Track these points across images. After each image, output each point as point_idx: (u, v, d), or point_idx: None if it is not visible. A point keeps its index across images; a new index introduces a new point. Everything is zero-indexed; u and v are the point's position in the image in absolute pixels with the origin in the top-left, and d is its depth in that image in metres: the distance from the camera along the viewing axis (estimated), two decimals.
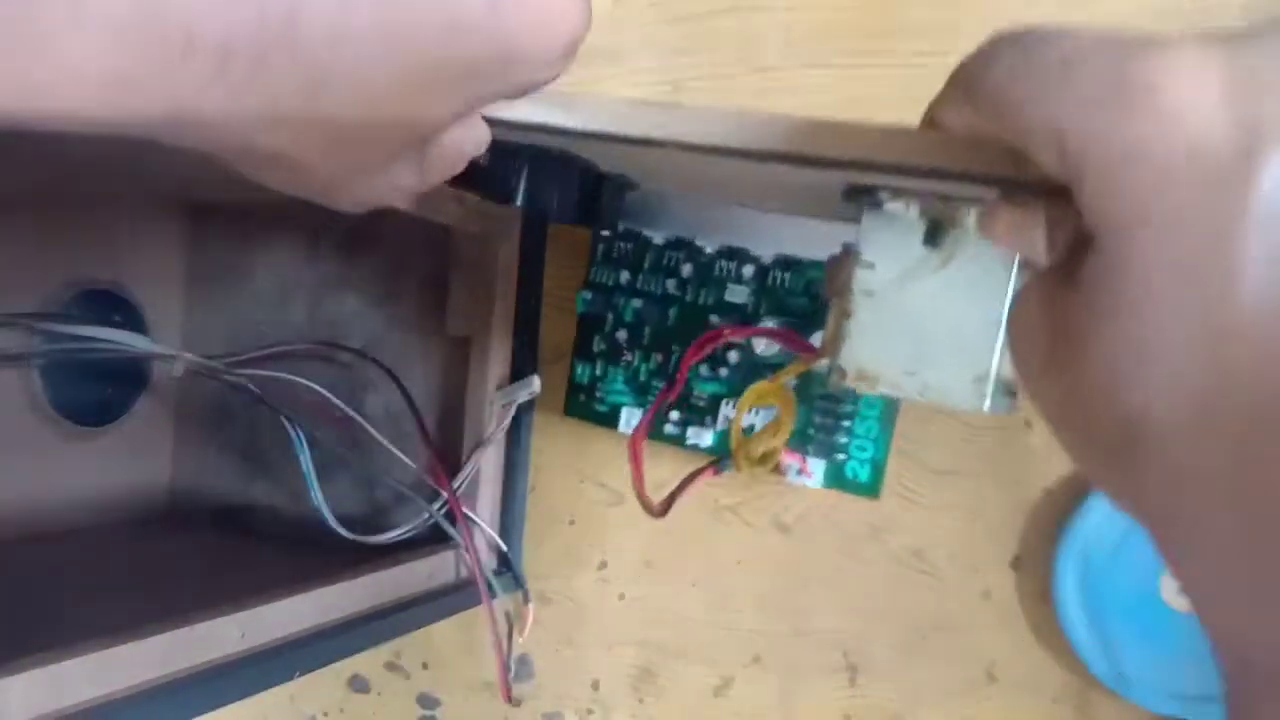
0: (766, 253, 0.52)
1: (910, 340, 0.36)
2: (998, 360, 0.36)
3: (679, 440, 0.56)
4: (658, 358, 0.56)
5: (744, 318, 0.54)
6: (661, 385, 0.55)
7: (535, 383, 0.58)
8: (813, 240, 0.50)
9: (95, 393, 0.62)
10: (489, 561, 0.59)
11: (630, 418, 0.56)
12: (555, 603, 0.62)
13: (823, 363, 0.39)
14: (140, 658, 0.39)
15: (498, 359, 0.58)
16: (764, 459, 0.39)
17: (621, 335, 0.56)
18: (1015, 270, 0.36)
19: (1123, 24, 0.50)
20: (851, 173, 0.35)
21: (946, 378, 0.36)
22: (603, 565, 0.60)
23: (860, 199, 0.37)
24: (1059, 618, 0.51)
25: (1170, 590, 0.49)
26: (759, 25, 0.56)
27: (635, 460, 0.42)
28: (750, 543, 0.57)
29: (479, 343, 0.58)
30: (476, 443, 0.58)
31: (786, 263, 0.53)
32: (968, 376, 0.36)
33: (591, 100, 0.37)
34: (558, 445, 0.61)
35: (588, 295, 0.56)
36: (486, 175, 0.44)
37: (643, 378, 0.56)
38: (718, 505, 0.58)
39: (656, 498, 0.44)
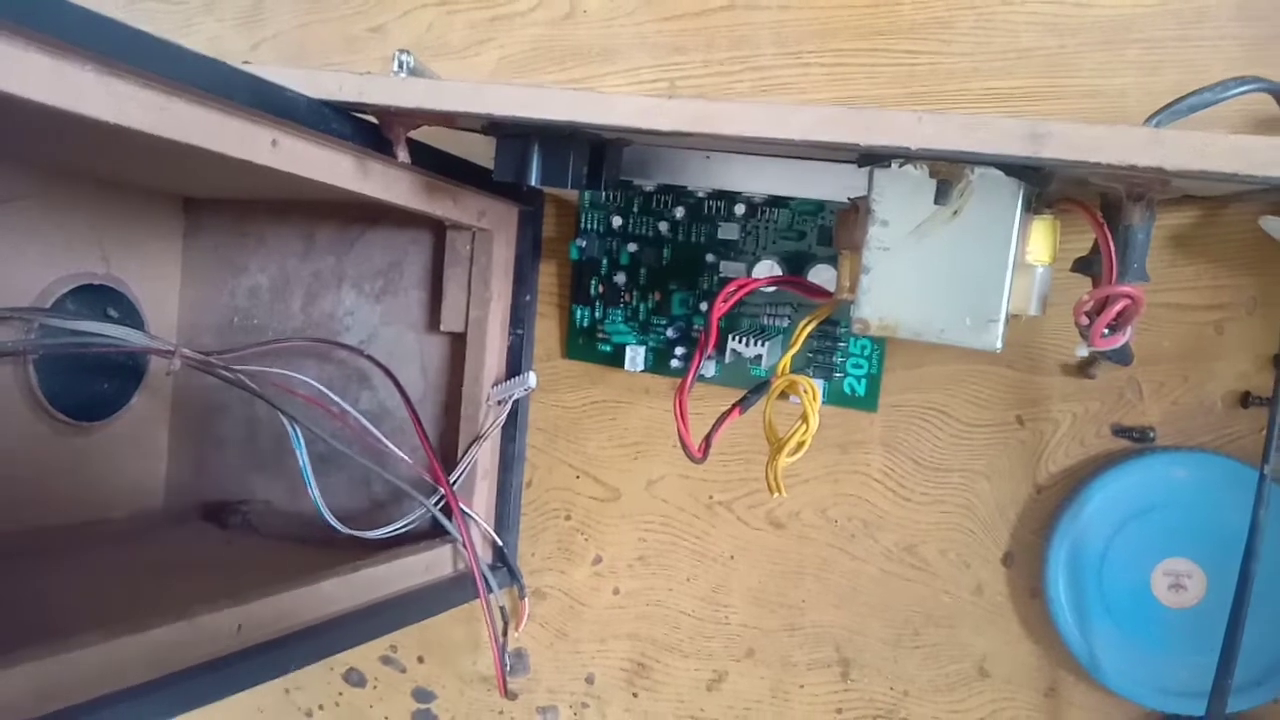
0: (756, 192, 0.53)
1: (926, 289, 0.39)
2: (1006, 302, 0.38)
3: (684, 373, 0.56)
4: (655, 296, 0.57)
5: (738, 254, 0.55)
6: (663, 322, 0.56)
7: (531, 379, 0.58)
8: (800, 180, 0.51)
9: (91, 388, 0.62)
10: (485, 556, 0.59)
11: (635, 356, 0.57)
12: (550, 597, 0.62)
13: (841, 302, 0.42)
14: (137, 653, 0.39)
15: (493, 355, 0.59)
16: (795, 451, 0.39)
17: (620, 278, 0.57)
18: (1018, 218, 0.38)
19: (1113, 24, 0.50)
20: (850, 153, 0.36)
21: (961, 321, 0.39)
22: (597, 560, 0.61)
23: (874, 164, 0.39)
24: (1050, 613, 0.51)
25: (1162, 586, 0.49)
26: (753, 24, 0.56)
27: (681, 414, 0.43)
28: (744, 538, 0.58)
29: (474, 339, 0.58)
30: (472, 438, 0.58)
31: (775, 201, 0.54)
32: (981, 319, 0.38)
33: (621, 100, 0.38)
34: (557, 430, 0.61)
35: (581, 242, 0.57)
36: (498, 160, 0.44)
37: (643, 316, 0.57)
38: (712, 501, 0.58)
39: (675, 434, 0.45)
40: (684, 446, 0.43)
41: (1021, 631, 0.53)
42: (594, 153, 0.47)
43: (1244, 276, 0.49)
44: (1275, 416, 0.42)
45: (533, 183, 0.44)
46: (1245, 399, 0.49)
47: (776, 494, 0.40)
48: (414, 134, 0.46)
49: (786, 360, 0.42)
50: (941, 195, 0.39)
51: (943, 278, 0.39)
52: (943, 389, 0.54)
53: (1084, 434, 0.52)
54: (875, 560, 0.55)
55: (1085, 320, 0.41)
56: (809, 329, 0.43)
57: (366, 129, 0.45)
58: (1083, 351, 0.47)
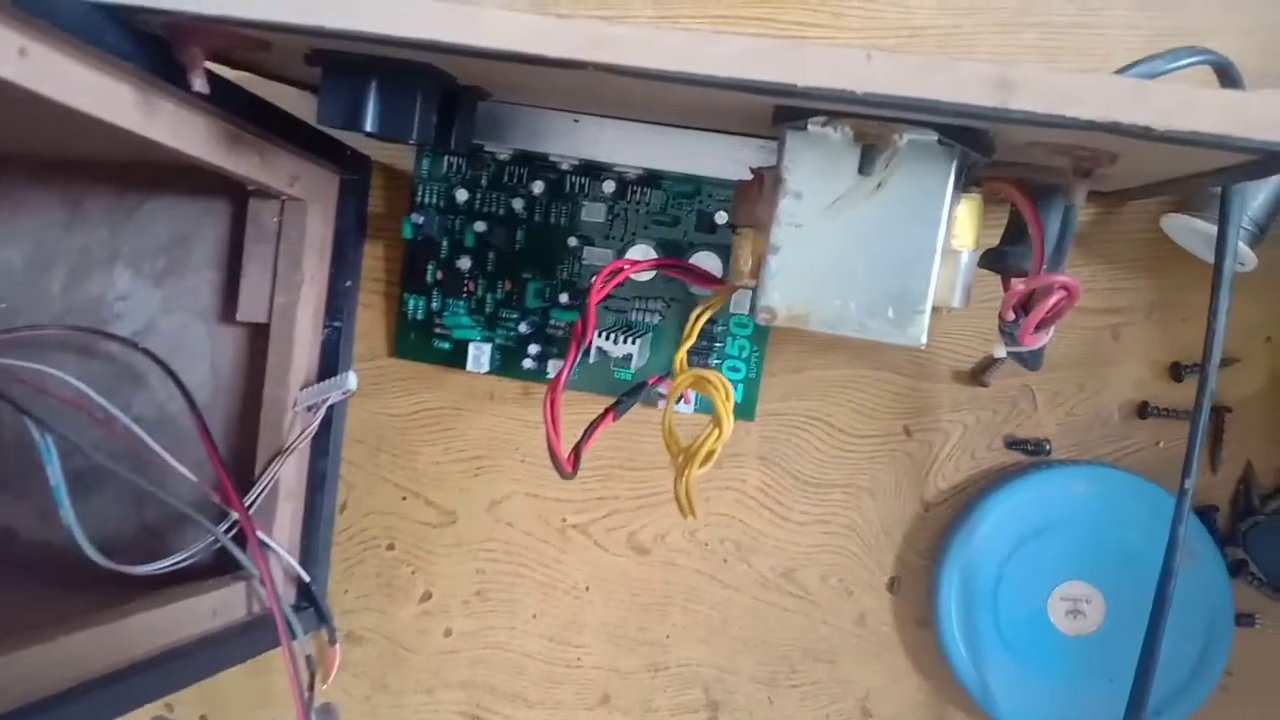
0: (629, 166, 0.45)
1: (843, 274, 0.33)
2: (933, 291, 0.33)
3: (539, 375, 0.49)
4: (505, 285, 0.49)
5: (604, 239, 0.48)
6: (515, 315, 0.49)
7: (350, 380, 0.49)
8: (682, 153, 0.44)
9: None
10: (288, 595, 0.50)
11: (480, 355, 0.49)
12: (368, 642, 0.52)
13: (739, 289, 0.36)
14: None
15: (303, 351, 0.49)
16: (705, 462, 0.32)
17: (463, 263, 0.48)
18: (949, 194, 0.33)
19: (1010, 6, 0.46)
20: (782, 98, 0.30)
21: (883, 311, 0.33)
22: (426, 597, 0.52)
23: (788, 122, 0.33)
24: (940, 644, 0.47)
25: (1059, 613, 0.46)
26: None
27: (553, 418, 0.35)
28: (601, 566, 0.50)
29: (280, 331, 0.48)
30: (274, 452, 0.49)
31: (649, 180, 0.47)
32: (905, 309, 0.33)
33: (498, 16, 0.30)
34: (374, 442, 0.52)
35: (416, 219, 0.48)
36: (325, 100, 0.35)
37: (490, 308, 0.49)
38: (565, 524, 0.50)
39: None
40: (554, 459, 0.36)
41: (908, 665, 0.48)
42: (445, 101, 0.38)
43: (1142, 279, 0.46)
44: (1197, 428, 0.39)
45: (368, 129, 0.36)
46: (1143, 409, 0.46)
47: (689, 517, 0.33)
48: (218, 69, 0.37)
49: (682, 355, 0.36)
50: (867, 163, 0.33)
51: (863, 261, 0.34)
52: (825, 396, 0.48)
53: (975, 446, 0.48)
54: (749, 588, 0.49)
55: (1013, 315, 0.36)
56: (703, 320, 0.37)
57: (153, 47, 0.35)
58: (1001, 353, 0.43)
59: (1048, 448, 0.47)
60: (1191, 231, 0.44)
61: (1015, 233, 0.41)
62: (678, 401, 0.47)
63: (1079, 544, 0.45)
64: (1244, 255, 0.42)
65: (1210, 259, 0.45)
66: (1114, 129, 0.28)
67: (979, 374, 0.47)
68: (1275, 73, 0.44)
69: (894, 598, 0.48)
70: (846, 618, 0.49)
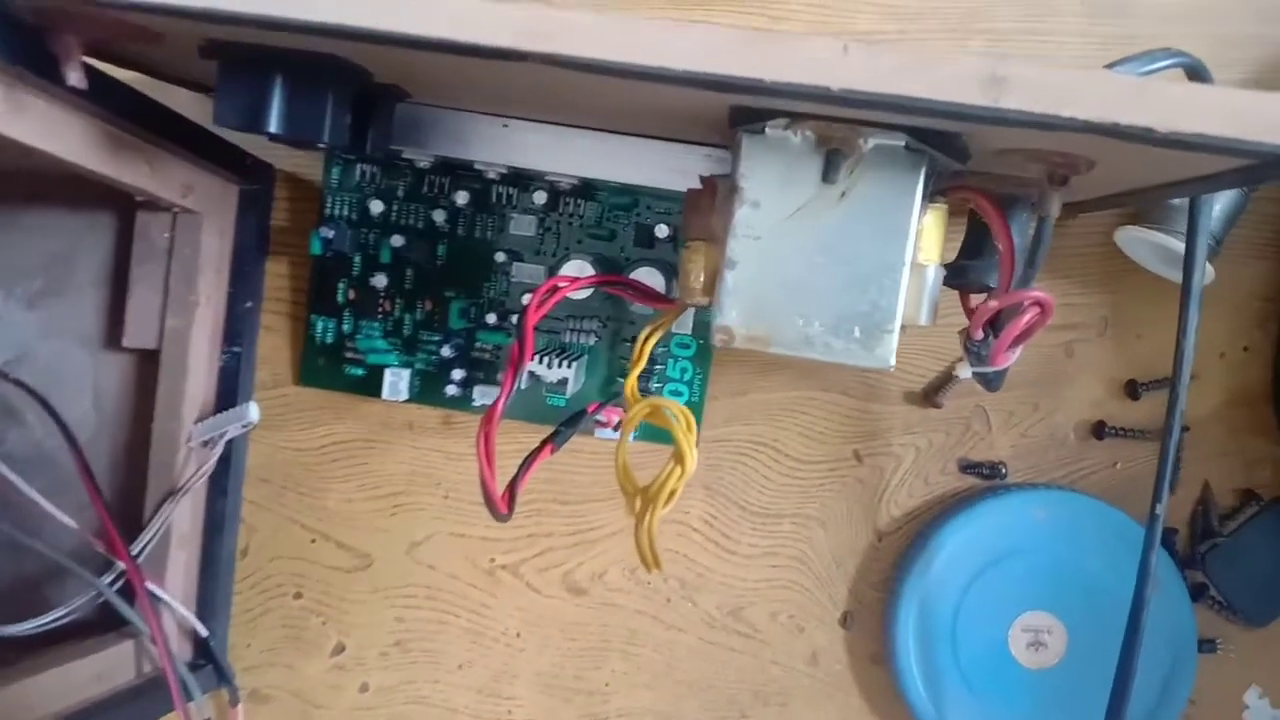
0: (562, 175, 0.42)
1: (805, 290, 0.31)
2: (902, 309, 0.31)
3: (463, 403, 0.45)
4: (425, 305, 0.45)
5: (534, 254, 0.44)
6: (436, 338, 0.45)
7: (251, 411, 0.45)
8: (620, 161, 0.40)
9: None
10: (183, 652, 0.45)
11: (397, 381, 0.44)
12: (275, 700, 0.47)
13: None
14: None
15: (198, 380, 0.44)
16: (668, 502, 0.29)
17: (379, 281, 0.44)
18: (918, 203, 0.31)
19: (958, 10, 0.44)
20: (746, 96, 0.26)
21: (849, 332, 0.31)
22: (339, 650, 0.47)
23: (745, 125, 0.31)
24: (897, 682, 0.44)
25: (1020, 645, 0.43)
26: None
27: (488, 453, 0.31)
28: (534, 610, 0.46)
29: (172, 358, 0.44)
30: (166, 492, 0.44)
31: (583, 191, 0.43)
32: (873, 329, 0.31)
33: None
34: (281, 473, 0.47)
35: (326, 233, 0.43)
36: (222, 96, 0.31)
37: (409, 331, 0.45)
38: (494, 565, 0.46)
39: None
40: (487, 499, 0.32)
41: (864, 705, 0.46)
42: (359, 101, 0.35)
43: (1095, 294, 0.45)
44: (1168, 450, 0.37)
45: (271, 129, 0.31)
46: (1100, 429, 0.45)
47: (654, 569, 0.29)
48: (103, 67, 0.33)
49: (633, 382, 0.32)
50: (831, 170, 0.31)
51: (826, 276, 0.31)
52: (772, 420, 0.46)
53: (928, 470, 0.45)
54: (695, 628, 0.46)
55: (982, 334, 0.34)
56: (652, 341, 0.34)
57: (20, 36, 0.30)
58: (966, 373, 0.40)
59: (1003, 471, 0.45)
60: (1147, 244, 0.42)
61: (974, 246, 0.39)
62: (617, 429, 0.44)
63: (1040, 572, 0.43)
64: None
65: (1165, 273, 0.44)
66: (1112, 131, 0.25)
67: (931, 394, 0.45)
68: (1223, 83, 0.43)
69: (847, 634, 0.46)
70: (798, 657, 0.46)
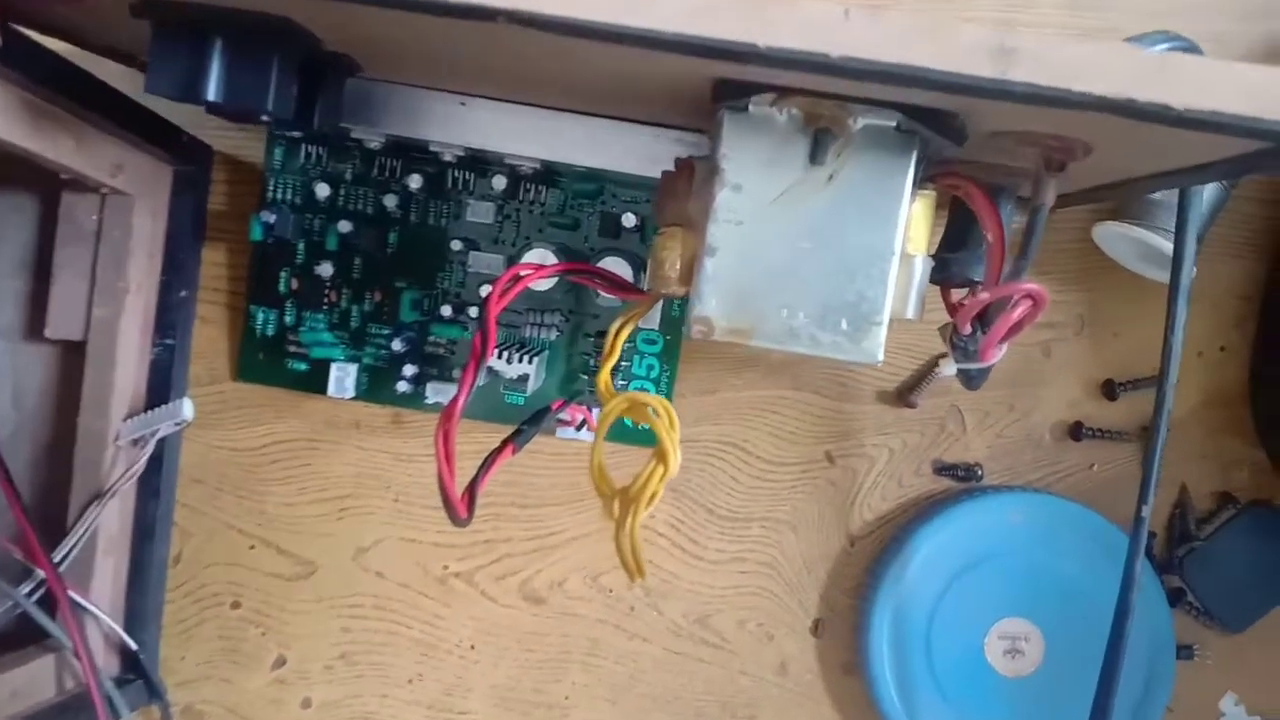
0: (522, 159, 0.39)
1: (790, 279, 0.29)
2: (890, 300, 0.29)
3: (415, 401, 0.42)
4: (375, 296, 0.42)
5: (492, 243, 0.42)
6: (386, 331, 0.42)
7: (185, 407, 0.42)
8: (586, 144, 0.38)
9: None
10: (109, 667, 0.42)
11: (344, 377, 0.42)
12: (210, 717, 0.44)
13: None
14: None
15: (127, 374, 0.41)
16: (649, 504, 0.27)
17: (324, 269, 0.41)
18: (908, 188, 0.29)
19: None
20: (736, 65, 0.24)
21: (836, 324, 0.29)
22: (280, 663, 0.44)
23: (728, 100, 0.29)
24: (870, 692, 0.42)
25: (996, 652, 0.42)
26: None
27: (446, 452, 0.28)
28: (489, 620, 0.44)
29: (98, 350, 0.41)
30: (92, 495, 0.41)
31: (544, 176, 0.41)
32: (860, 321, 0.29)
33: None
34: (217, 474, 0.44)
35: (267, 217, 0.40)
36: (155, 61, 0.28)
37: (356, 323, 0.42)
38: (446, 572, 0.44)
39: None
40: (446, 502, 0.29)
41: (834, 715, 0.44)
42: (306, 72, 0.32)
43: (1072, 292, 0.44)
44: (1154, 451, 0.36)
45: (210, 97, 0.29)
46: (1077, 431, 0.43)
47: (638, 578, 0.27)
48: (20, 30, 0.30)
49: (605, 376, 0.30)
50: (819, 151, 0.29)
51: (812, 264, 0.29)
52: (741, 419, 0.44)
53: (902, 472, 0.44)
54: (660, 638, 0.44)
55: (970, 329, 0.32)
56: (624, 334, 0.31)
57: None
58: (950, 370, 0.39)
59: (979, 473, 0.43)
60: (1126, 240, 0.41)
61: (956, 237, 0.38)
62: (580, 428, 0.41)
63: (1016, 577, 0.42)
64: None
65: (1143, 270, 0.43)
66: (1128, 108, 0.24)
67: (906, 393, 0.43)
68: None
69: (818, 642, 0.44)
70: (767, 666, 0.44)
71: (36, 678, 0.40)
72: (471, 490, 0.31)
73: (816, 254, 0.29)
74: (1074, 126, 0.27)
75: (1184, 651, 0.43)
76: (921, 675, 0.42)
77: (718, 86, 0.28)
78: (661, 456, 0.26)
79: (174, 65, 0.29)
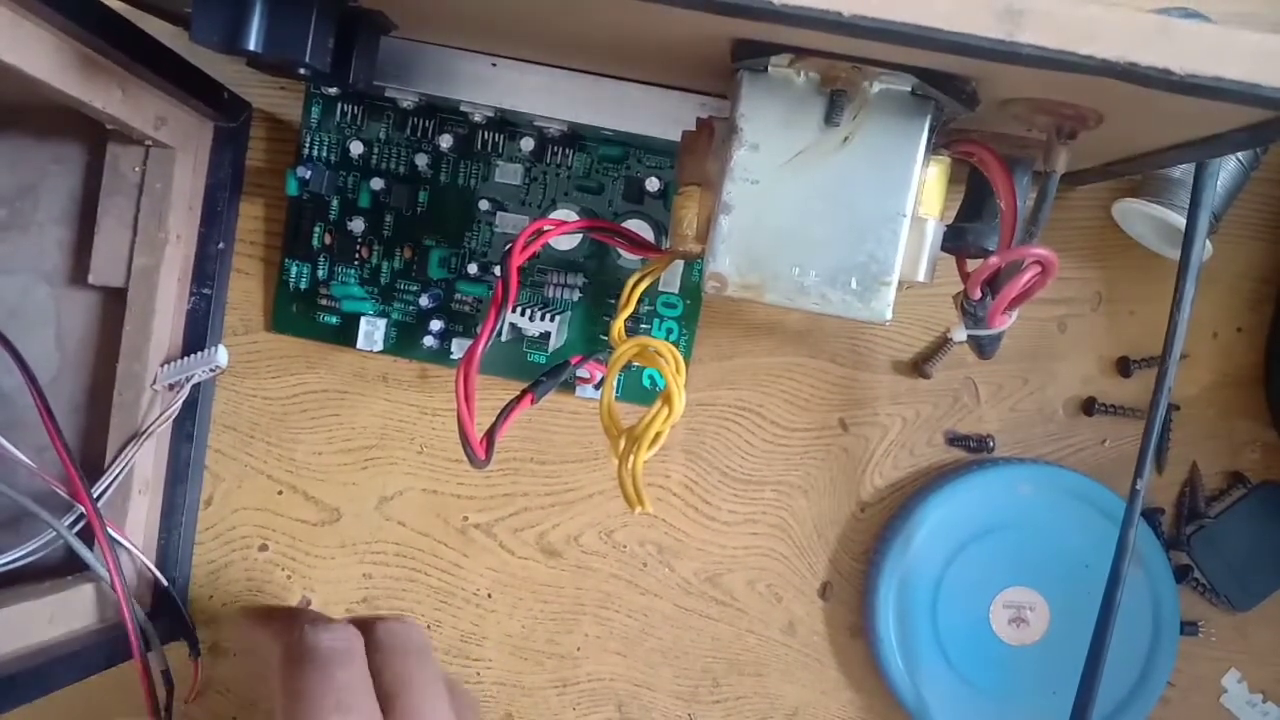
0: (550, 120, 0.40)
1: (803, 238, 0.30)
2: (900, 262, 0.30)
3: (441, 356, 0.44)
4: (404, 253, 0.43)
5: (519, 204, 0.43)
6: (414, 287, 0.43)
7: (220, 356, 0.43)
8: (612, 106, 0.39)
9: None
10: (142, 601, 0.44)
11: (373, 330, 0.43)
12: (237, 656, 0.46)
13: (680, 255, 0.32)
14: None
15: (165, 321, 0.43)
16: (653, 444, 0.28)
17: (356, 225, 0.43)
18: (921, 151, 0.30)
19: None
20: (751, 23, 0.25)
21: (846, 282, 0.30)
22: (305, 605, 0.46)
23: (747, 60, 0.29)
24: (875, 655, 0.43)
25: (1002, 621, 0.43)
26: None
27: (466, 395, 0.30)
28: (506, 570, 0.45)
29: (139, 297, 0.42)
30: (129, 436, 0.43)
31: (572, 139, 0.42)
32: (870, 280, 0.30)
33: None
34: (250, 421, 0.46)
35: (303, 173, 0.42)
36: (200, 10, 0.30)
37: (386, 279, 0.43)
38: (466, 523, 0.45)
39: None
40: (465, 442, 0.31)
41: (840, 677, 0.45)
42: (344, 26, 0.33)
43: (1090, 269, 0.44)
44: (1153, 425, 0.37)
45: (251, 46, 0.30)
46: (1090, 406, 0.44)
47: (639, 508, 0.28)
48: None
49: (620, 325, 0.31)
50: (834, 112, 0.30)
51: (825, 224, 0.30)
52: (757, 385, 0.44)
53: (914, 442, 0.44)
54: (670, 594, 0.45)
55: (980, 294, 0.33)
56: (641, 287, 0.33)
57: None
58: (961, 336, 0.39)
59: (990, 445, 0.44)
60: (1145, 218, 0.42)
61: (973, 208, 0.38)
62: (598, 386, 0.42)
63: (1024, 548, 0.42)
64: None
65: (1161, 249, 0.43)
66: (1129, 72, 0.24)
67: (921, 364, 0.44)
68: None
69: (826, 605, 0.45)
70: (774, 626, 0.45)
71: (74, 606, 0.41)
72: (490, 435, 0.33)
73: (829, 214, 0.30)
74: (1082, 93, 0.28)
75: (1188, 628, 0.43)
76: (926, 640, 0.43)
77: (737, 46, 0.29)
78: (667, 399, 0.27)
79: (217, 15, 0.30)
